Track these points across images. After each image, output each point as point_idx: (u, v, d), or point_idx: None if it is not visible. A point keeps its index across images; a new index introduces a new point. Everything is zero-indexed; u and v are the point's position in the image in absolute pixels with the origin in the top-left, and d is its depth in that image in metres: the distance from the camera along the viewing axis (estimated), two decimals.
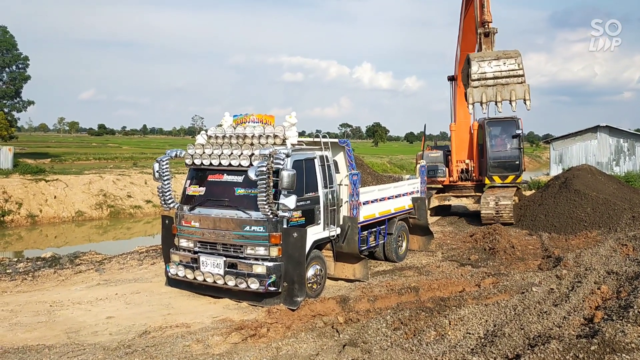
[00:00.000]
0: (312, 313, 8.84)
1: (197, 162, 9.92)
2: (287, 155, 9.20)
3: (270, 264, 9.19)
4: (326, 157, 10.49)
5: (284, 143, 9.57)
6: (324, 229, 10.20)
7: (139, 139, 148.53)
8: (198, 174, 10.16)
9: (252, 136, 9.78)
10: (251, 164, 9.20)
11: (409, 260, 13.27)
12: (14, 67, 53.76)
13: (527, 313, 8.01)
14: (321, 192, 10.14)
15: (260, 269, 9.21)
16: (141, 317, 8.91)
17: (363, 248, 11.68)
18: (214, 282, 9.51)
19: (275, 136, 9.61)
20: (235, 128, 10.11)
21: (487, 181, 19.08)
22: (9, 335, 8.20)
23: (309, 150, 10.27)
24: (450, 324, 7.68)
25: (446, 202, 20.53)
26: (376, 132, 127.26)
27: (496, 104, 12.82)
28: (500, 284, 10.26)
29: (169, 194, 10.27)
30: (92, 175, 31.13)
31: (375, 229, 12.23)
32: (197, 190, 10.02)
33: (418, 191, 14.07)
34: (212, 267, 9.58)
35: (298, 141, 9.93)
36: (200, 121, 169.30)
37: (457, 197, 20.24)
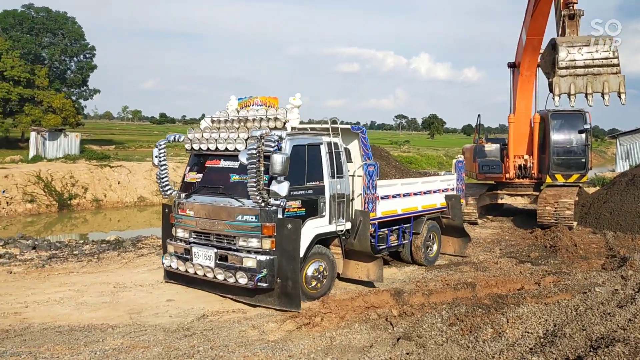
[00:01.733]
0: (365, 305, 8.84)
1: (196, 146, 9.42)
2: (281, 138, 8.50)
3: (263, 257, 8.45)
4: (335, 144, 9.55)
5: (285, 127, 8.96)
6: (329, 223, 9.35)
7: None
8: (197, 160, 9.66)
9: (254, 119, 9.23)
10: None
11: None
12: (81, 56, 56.10)
13: (589, 314, 7.73)
14: (327, 181, 9.28)
15: (250, 262, 8.49)
16: (199, 301, 9.15)
17: (381, 247, 10.82)
18: (204, 275, 8.99)
19: (276, 119, 9.00)
20: (239, 112, 9.65)
21: (548, 179, 17.50)
22: (75, 314, 8.61)
23: (314, 135, 9.46)
24: (508, 322, 7.51)
25: (499, 201, 19.00)
26: (432, 124, 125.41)
27: (586, 97, 11.71)
28: (561, 283, 9.93)
29: (166, 181, 9.82)
30: None
31: (397, 227, 11.20)
32: (195, 177, 9.56)
33: (453, 189, 12.77)
34: (203, 259, 9.05)
35: (306, 126, 9.47)
36: None
37: (511, 195, 18.68)
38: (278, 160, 8.02)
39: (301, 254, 8.69)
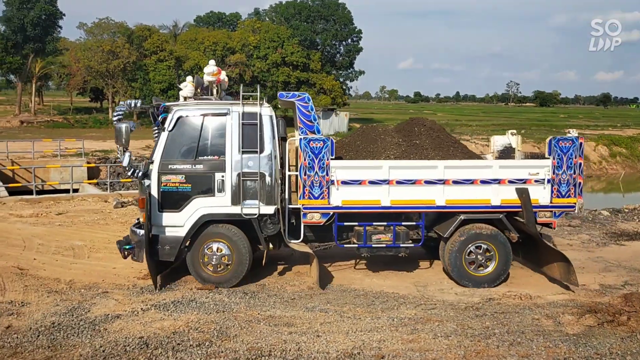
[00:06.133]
0: None
1: None
2: (132, 106, 8.48)
3: (135, 229, 8.63)
4: (252, 114, 8.49)
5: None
6: (233, 204, 8.36)
7: (452, 106, 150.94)
8: None
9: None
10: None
11: None
12: (349, 40, 60.06)
13: None
14: (231, 157, 8.35)
15: (130, 233, 8.77)
16: None
17: (351, 245, 9.04)
18: None
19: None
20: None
21: None
22: (366, 279, 9.35)
23: (215, 104, 8.70)
24: None
25: None
26: None
27: None
28: None
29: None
30: None
31: (388, 224, 8.90)
32: None
33: (543, 180, 8.84)
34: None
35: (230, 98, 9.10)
36: (515, 87, 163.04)
37: None
38: (116, 130, 8.00)
39: (183, 233, 8.37)
